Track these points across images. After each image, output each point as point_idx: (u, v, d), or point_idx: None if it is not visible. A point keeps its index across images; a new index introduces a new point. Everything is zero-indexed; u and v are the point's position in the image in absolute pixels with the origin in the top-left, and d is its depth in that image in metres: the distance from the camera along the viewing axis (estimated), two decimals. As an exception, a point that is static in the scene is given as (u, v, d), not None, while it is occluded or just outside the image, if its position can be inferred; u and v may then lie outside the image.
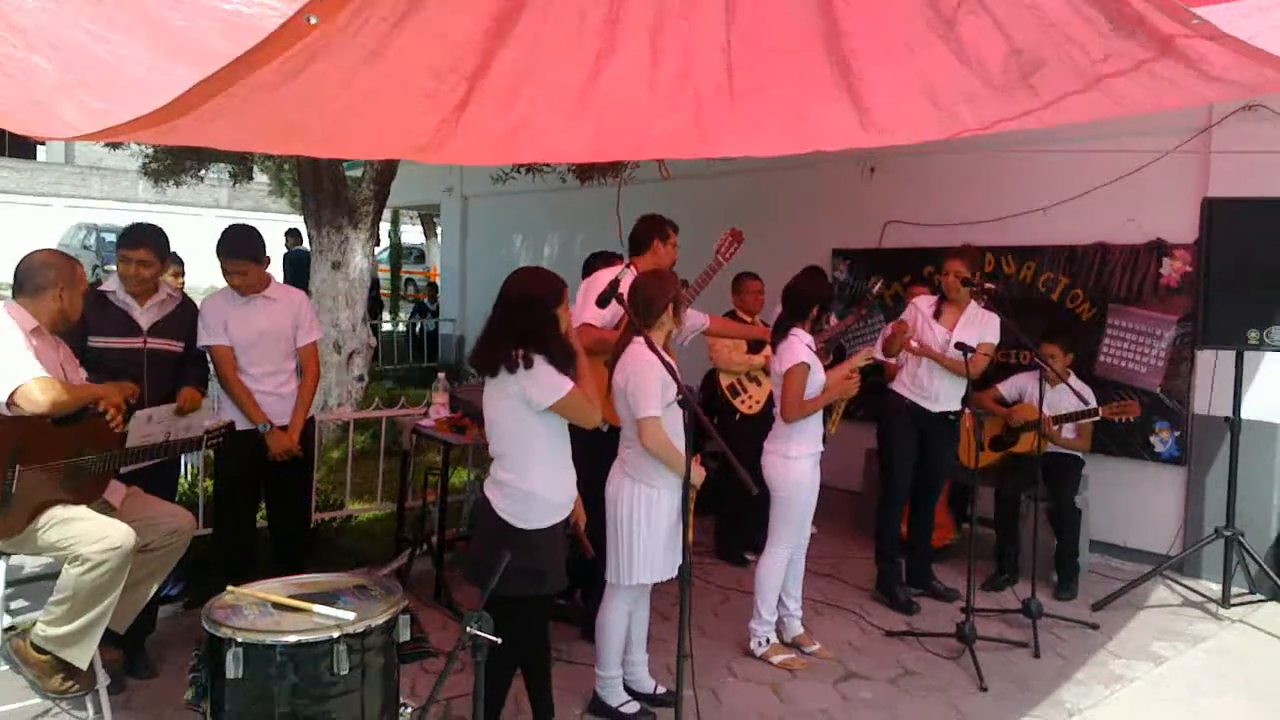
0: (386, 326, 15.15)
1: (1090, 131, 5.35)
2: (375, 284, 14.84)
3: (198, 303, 4.46)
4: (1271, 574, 5.19)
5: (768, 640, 4.46)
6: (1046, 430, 5.22)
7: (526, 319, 3.18)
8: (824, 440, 4.51)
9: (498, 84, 2.39)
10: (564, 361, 3.21)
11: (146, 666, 4.09)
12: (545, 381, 3.13)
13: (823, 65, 2.59)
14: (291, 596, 2.76)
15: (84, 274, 3.63)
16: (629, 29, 2.32)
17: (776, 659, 4.42)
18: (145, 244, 4.10)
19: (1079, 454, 5.67)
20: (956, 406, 5.23)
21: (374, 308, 14.23)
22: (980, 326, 5.07)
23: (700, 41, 2.46)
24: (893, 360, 5.38)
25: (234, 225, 4.44)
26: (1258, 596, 5.37)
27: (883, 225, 7.33)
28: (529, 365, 3.11)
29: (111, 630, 3.39)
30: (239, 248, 4.29)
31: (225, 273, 4.30)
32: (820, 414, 4.44)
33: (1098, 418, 5.38)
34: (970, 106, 2.92)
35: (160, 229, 4.23)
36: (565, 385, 3.16)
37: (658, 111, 2.87)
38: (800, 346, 4.32)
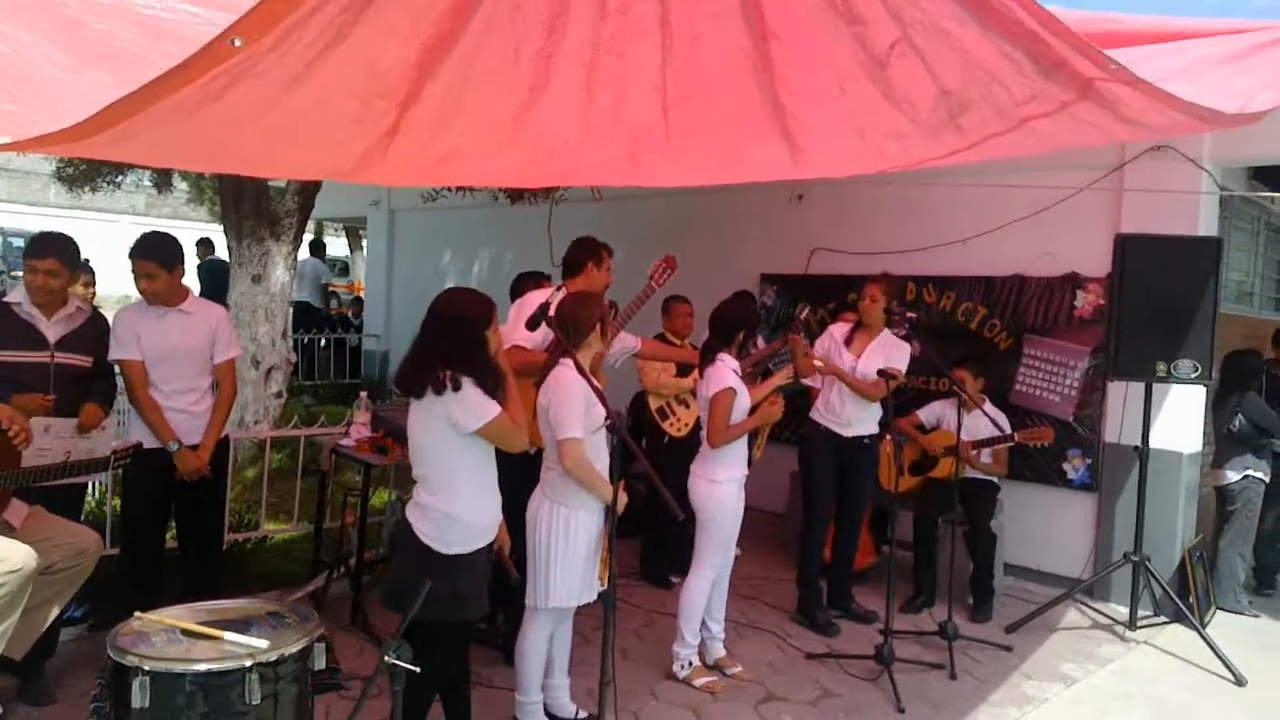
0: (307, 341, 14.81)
1: (1009, 166, 5.52)
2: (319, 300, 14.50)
3: (109, 314, 4.31)
4: (1175, 598, 5.37)
5: (690, 663, 4.46)
6: (964, 455, 5.35)
7: (455, 340, 3.14)
8: (750, 463, 4.55)
9: (428, 113, 2.37)
10: (492, 384, 3.17)
11: (44, 692, 3.90)
12: (472, 405, 3.09)
13: (757, 104, 2.63)
14: (202, 623, 2.67)
15: None
16: (563, 64, 2.32)
17: (699, 681, 4.42)
18: (53, 254, 3.94)
19: (995, 479, 5.82)
20: (871, 430, 5.31)
21: (317, 320, 13.93)
22: (888, 353, 5.17)
23: (635, 79, 2.48)
24: (816, 385, 5.45)
25: (152, 230, 4.32)
26: (1162, 619, 5.57)
27: (810, 252, 7.44)
28: (456, 387, 3.07)
29: (6, 657, 3.23)
30: (148, 249, 4.14)
31: (135, 276, 4.16)
32: (745, 438, 4.47)
33: (1013, 442, 5.53)
34: (898, 144, 2.99)
35: (70, 238, 4.08)
36: (492, 409, 3.12)
37: (591, 145, 2.89)
38: (727, 371, 4.36)
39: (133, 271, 4.16)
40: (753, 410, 4.42)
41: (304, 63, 1.89)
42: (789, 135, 2.82)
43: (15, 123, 1.99)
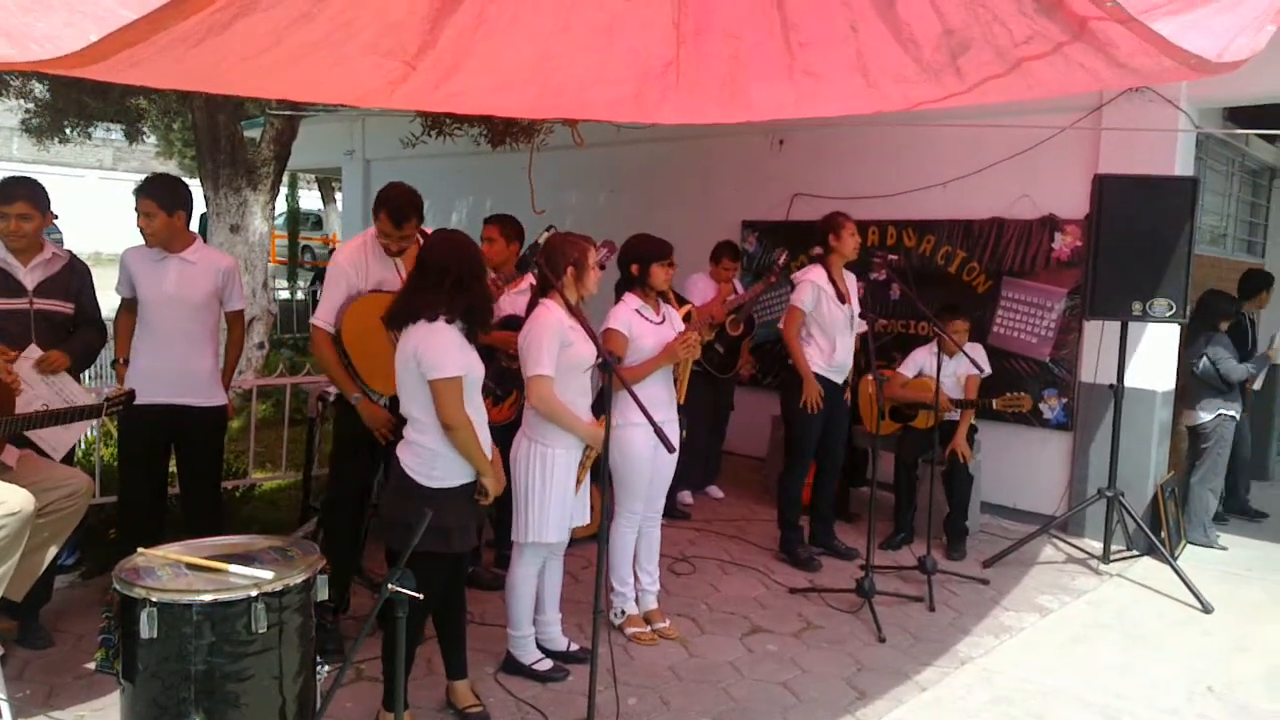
0: (284, 294, 14.72)
1: (989, 109, 5.53)
2: None
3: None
4: (1148, 531, 5.52)
5: (623, 611, 4.39)
6: (943, 407, 5.49)
7: (450, 280, 3.18)
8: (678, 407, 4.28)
9: (439, 62, 2.36)
10: (481, 320, 3.26)
11: (42, 637, 3.95)
12: (436, 350, 3.13)
13: (769, 44, 2.65)
14: (206, 558, 2.71)
15: None
16: (587, 7, 2.31)
17: (630, 631, 4.33)
18: (21, 196, 3.88)
19: (973, 422, 5.91)
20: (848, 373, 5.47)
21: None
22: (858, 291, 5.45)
23: (657, 19, 2.48)
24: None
25: (163, 173, 4.28)
26: (1134, 552, 5.73)
27: (791, 197, 7.46)
28: (432, 319, 3.14)
29: (7, 598, 3.27)
30: (149, 188, 4.07)
31: (136, 214, 4.08)
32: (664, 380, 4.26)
33: (991, 407, 5.61)
34: (900, 88, 3.03)
35: (36, 181, 4.03)
36: (449, 368, 3.12)
37: (603, 84, 2.89)
38: (623, 311, 4.21)
39: (135, 209, 4.08)
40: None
41: (311, 2, 1.88)
42: (797, 80, 2.85)
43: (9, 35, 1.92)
